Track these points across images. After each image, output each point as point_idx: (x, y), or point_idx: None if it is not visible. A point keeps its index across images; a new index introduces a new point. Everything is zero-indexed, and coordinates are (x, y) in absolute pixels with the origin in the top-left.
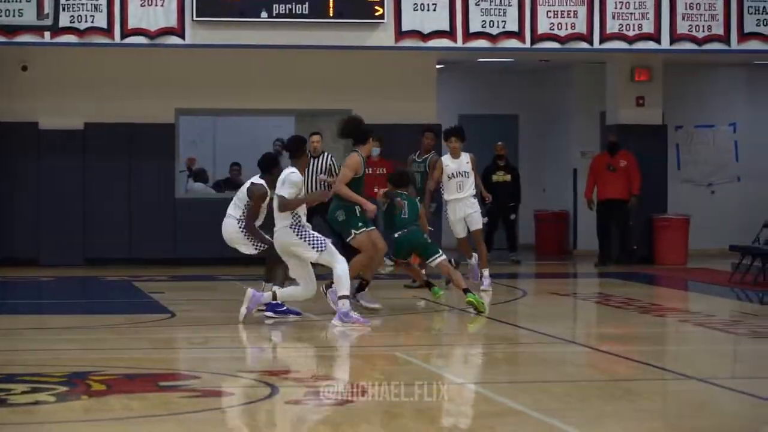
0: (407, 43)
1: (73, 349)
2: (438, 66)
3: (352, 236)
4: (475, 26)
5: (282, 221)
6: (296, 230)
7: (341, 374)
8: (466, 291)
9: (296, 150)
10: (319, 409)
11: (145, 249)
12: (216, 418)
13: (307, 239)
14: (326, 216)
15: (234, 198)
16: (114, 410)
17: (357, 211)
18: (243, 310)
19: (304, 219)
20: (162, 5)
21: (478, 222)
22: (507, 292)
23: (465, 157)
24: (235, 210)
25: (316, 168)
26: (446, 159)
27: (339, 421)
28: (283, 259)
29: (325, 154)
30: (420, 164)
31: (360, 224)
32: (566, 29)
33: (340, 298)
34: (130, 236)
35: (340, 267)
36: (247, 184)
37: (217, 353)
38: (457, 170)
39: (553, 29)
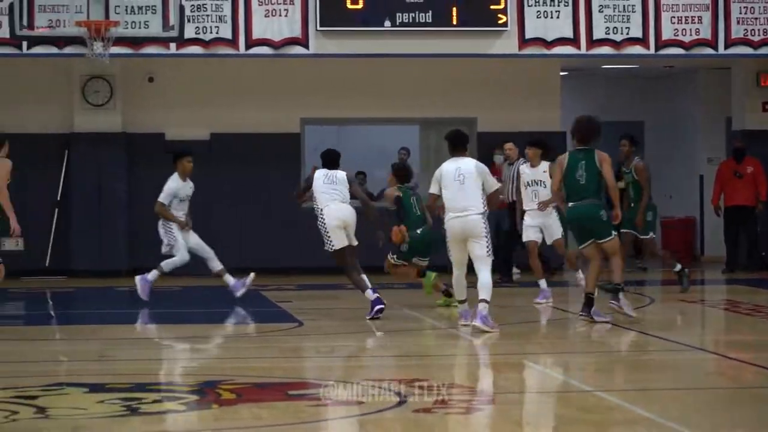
0: (531, 50)
1: (203, 358)
2: (562, 73)
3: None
4: (598, 33)
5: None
6: (485, 221)
7: (469, 382)
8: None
9: None
10: (448, 417)
11: (272, 258)
12: (346, 427)
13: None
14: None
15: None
16: (243, 419)
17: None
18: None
19: None
20: (286, 15)
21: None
22: (634, 299)
23: (543, 166)
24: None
25: (511, 175)
26: (524, 167)
27: (469, 431)
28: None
29: (520, 161)
30: (628, 174)
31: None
32: (691, 35)
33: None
34: (257, 245)
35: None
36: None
37: (345, 362)
38: (533, 179)
39: (677, 35)
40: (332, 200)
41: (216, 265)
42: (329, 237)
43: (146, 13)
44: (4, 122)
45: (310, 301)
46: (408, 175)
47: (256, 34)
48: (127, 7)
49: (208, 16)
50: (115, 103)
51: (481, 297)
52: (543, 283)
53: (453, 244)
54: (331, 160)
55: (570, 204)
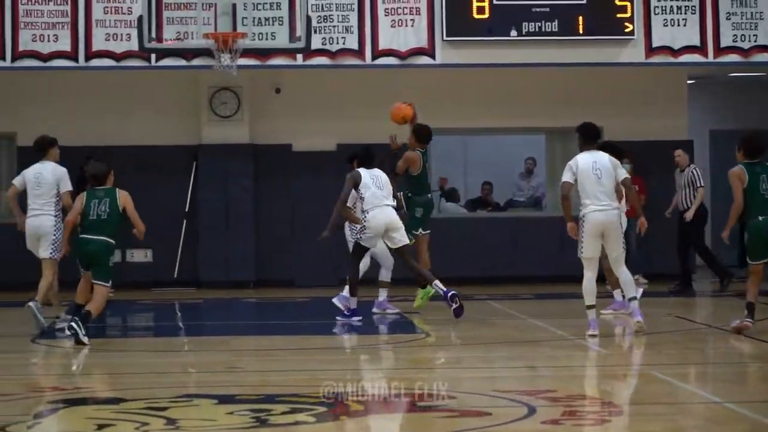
0: (657, 59)
1: (330, 369)
2: (689, 81)
3: None
4: (726, 40)
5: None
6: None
7: (597, 393)
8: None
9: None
10: (577, 429)
11: (398, 269)
12: None
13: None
14: None
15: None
16: (372, 430)
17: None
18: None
19: None
20: (412, 26)
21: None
22: (763, 310)
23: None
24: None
25: (684, 182)
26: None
27: None
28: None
29: (691, 166)
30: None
31: None
32: None
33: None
34: None
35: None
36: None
37: (471, 373)
38: None
39: None
40: (379, 205)
41: (387, 276)
42: (368, 236)
43: (273, 25)
44: (134, 134)
45: (437, 311)
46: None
47: (383, 44)
48: (254, 18)
49: (334, 26)
50: (243, 114)
51: (630, 295)
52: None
53: (590, 239)
54: (371, 158)
55: (760, 218)
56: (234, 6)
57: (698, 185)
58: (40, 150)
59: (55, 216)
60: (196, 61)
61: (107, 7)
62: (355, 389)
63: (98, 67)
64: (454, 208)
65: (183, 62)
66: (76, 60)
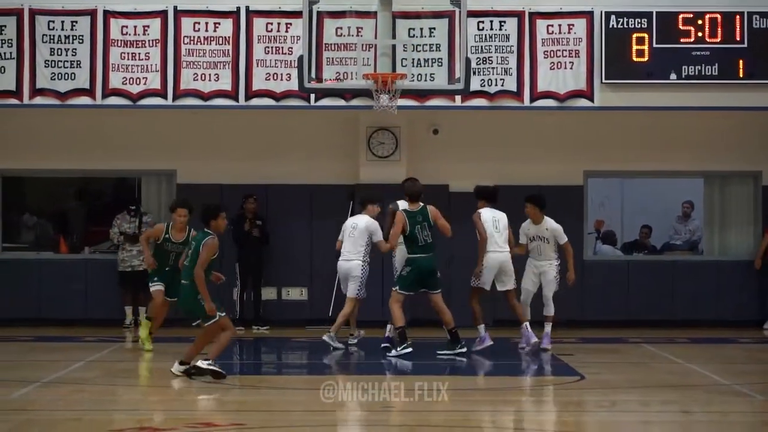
0: None
1: (483, 411)
2: None
3: None
4: None
5: None
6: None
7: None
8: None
9: None
10: None
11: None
12: None
13: None
14: None
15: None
16: None
17: None
18: None
19: None
20: (571, 68)
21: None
22: None
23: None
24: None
25: None
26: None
27: None
28: None
29: None
30: None
31: None
32: None
33: None
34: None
35: None
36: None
37: (627, 416)
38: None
39: None
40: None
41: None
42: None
43: (432, 66)
44: (294, 173)
45: (593, 354)
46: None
47: (541, 86)
48: (413, 60)
49: (493, 68)
50: (400, 154)
51: None
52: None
53: None
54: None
55: None
56: (394, 47)
57: None
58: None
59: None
60: (354, 101)
61: (268, 47)
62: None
63: (258, 106)
64: (611, 251)
65: (342, 102)
66: (236, 99)
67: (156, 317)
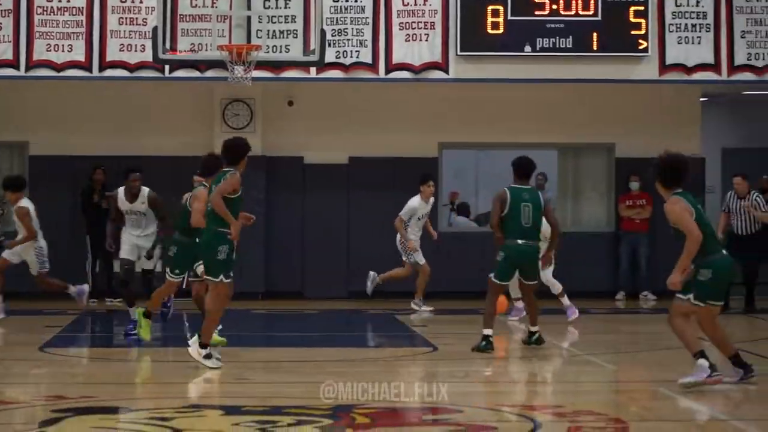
0: (671, 76)
1: (337, 382)
2: (702, 99)
3: None
4: (740, 58)
5: None
6: None
7: (604, 409)
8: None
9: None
10: None
11: (408, 282)
12: None
13: None
14: None
15: None
16: None
17: None
18: None
19: None
20: (426, 40)
21: None
22: None
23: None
24: None
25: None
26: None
27: None
28: None
29: (753, 194)
30: None
31: None
32: None
33: None
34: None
35: None
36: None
37: (479, 387)
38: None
39: None
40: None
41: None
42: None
43: (287, 38)
44: (146, 144)
45: (446, 325)
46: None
47: (396, 58)
48: (268, 31)
49: (348, 40)
50: (255, 126)
51: None
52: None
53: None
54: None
55: None
56: (249, 18)
57: (763, 210)
58: None
59: None
60: (209, 73)
61: (122, 18)
62: (362, 402)
63: (112, 77)
64: (465, 222)
65: (197, 74)
66: (90, 70)
67: None
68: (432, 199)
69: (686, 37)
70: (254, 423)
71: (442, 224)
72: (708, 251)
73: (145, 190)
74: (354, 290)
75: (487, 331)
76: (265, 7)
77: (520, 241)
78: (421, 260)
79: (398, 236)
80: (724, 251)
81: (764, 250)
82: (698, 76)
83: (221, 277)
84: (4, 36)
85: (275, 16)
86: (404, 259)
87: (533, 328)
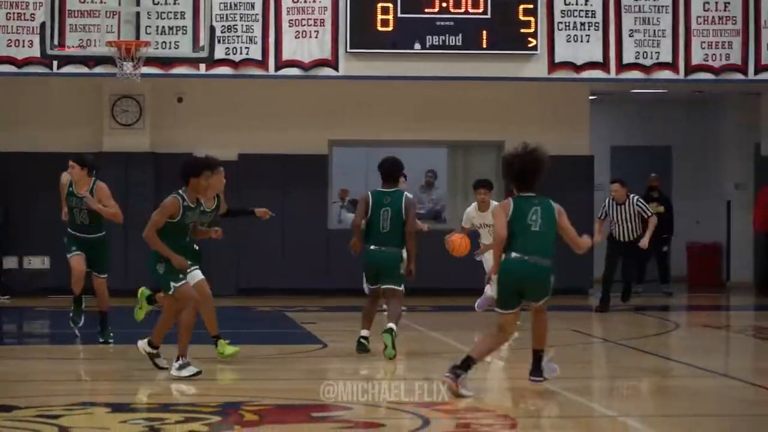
0: (560, 74)
1: (226, 379)
2: (591, 97)
3: None
4: (628, 57)
5: None
6: None
7: (493, 406)
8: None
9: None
10: None
11: (298, 279)
12: None
13: None
14: None
15: None
16: None
17: None
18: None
19: None
20: (316, 37)
21: None
22: (659, 324)
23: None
24: None
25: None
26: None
27: None
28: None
29: (633, 198)
30: None
31: None
32: (720, 60)
33: None
34: (283, 266)
35: None
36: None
37: (368, 384)
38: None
39: (707, 60)
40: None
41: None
42: None
43: (177, 34)
44: (35, 141)
45: (335, 322)
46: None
47: (286, 55)
48: (157, 27)
49: (238, 37)
50: (144, 122)
51: None
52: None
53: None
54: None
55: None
56: (138, 15)
57: (648, 215)
58: None
59: None
60: (98, 69)
61: (9, 13)
62: (250, 399)
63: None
64: None
65: (85, 69)
66: None
67: None
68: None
69: (575, 35)
70: (142, 420)
71: (332, 221)
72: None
73: None
74: (243, 287)
75: (364, 332)
76: (154, 3)
77: (373, 247)
78: None
79: None
80: (514, 254)
81: (646, 253)
82: (587, 74)
83: (172, 287)
84: None
85: (164, 13)
86: None
87: (394, 324)
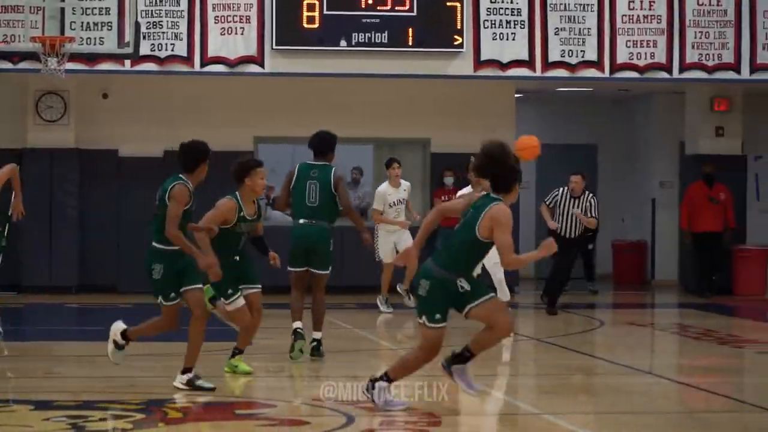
0: (486, 72)
1: (152, 377)
2: (516, 95)
3: None
4: (554, 55)
5: None
6: None
7: (417, 404)
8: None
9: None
10: None
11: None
12: None
13: None
14: None
15: None
16: None
17: None
18: None
19: None
20: (242, 34)
21: None
22: (584, 322)
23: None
24: None
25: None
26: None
27: None
28: None
29: (588, 195)
30: None
31: None
32: (645, 59)
33: None
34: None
35: None
36: None
37: (293, 382)
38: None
39: (632, 59)
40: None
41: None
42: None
43: (102, 30)
44: None
45: (263, 319)
46: None
47: (212, 51)
48: (82, 23)
49: (164, 33)
50: (69, 119)
51: None
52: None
53: None
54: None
55: None
56: (62, 10)
57: (593, 215)
58: None
59: None
60: (22, 65)
61: None
62: (175, 396)
63: None
64: (282, 217)
65: (9, 65)
66: None
67: None
68: (404, 184)
69: (501, 33)
70: (65, 418)
71: None
72: None
73: None
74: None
75: (296, 324)
76: None
77: (302, 221)
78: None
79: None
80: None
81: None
82: (512, 72)
83: (159, 298)
84: None
85: (89, 8)
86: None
87: (316, 335)
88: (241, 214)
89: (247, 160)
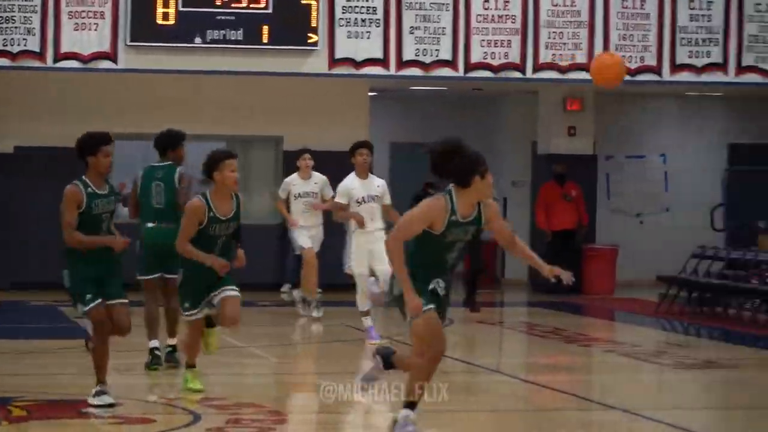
0: (340, 70)
1: (6, 374)
2: (371, 94)
3: None
4: (408, 54)
5: None
6: None
7: (265, 401)
8: None
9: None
10: None
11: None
12: None
13: None
14: None
15: None
16: None
17: None
18: None
19: None
20: (95, 29)
21: None
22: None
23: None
24: None
25: None
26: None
27: None
28: None
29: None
30: None
31: None
32: (499, 58)
33: None
34: (57, 261)
35: None
36: None
37: (142, 379)
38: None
39: (486, 58)
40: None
41: None
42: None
43: None
44: None
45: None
46: None
47: (65, 47)
48: None
49: (16, 28)
50: None
51: None
52: None
53: None
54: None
55: None
56: None
57: None
58: None
59: None
60: None
61: None
62: (21, 394)
63: None
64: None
65: None
66: None
67: None
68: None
69: (356, 31)
70: None
71: None
72: None
73: None
74: (17, 281)
75: (153, 343)
76: None
77: (150, 224)
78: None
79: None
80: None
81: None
82: (367, 70)
83: (78, 306)
84: None
85: None
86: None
87: (172, 341)
88: (211, 214)
89: (213, 152)
